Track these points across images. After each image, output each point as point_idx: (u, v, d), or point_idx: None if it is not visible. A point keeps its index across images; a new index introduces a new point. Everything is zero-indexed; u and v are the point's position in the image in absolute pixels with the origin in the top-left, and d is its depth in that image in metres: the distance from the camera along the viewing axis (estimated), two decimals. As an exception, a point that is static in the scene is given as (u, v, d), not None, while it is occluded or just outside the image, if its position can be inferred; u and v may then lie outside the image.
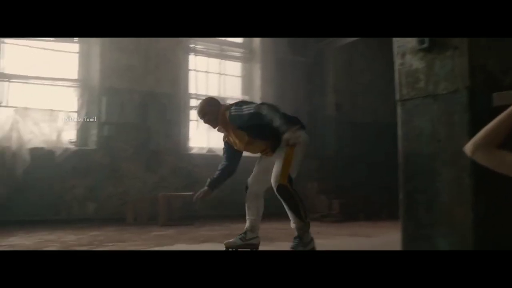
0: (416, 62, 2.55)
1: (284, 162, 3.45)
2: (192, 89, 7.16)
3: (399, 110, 2.64)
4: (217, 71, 7.51)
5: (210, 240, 4.53)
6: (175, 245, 4.15)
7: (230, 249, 3.60)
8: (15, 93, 6.06)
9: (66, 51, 6.44)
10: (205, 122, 3.71)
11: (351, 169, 7.82)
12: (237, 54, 7.78)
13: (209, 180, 3.76)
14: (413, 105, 2.55)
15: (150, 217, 5.95)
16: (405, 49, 2.61)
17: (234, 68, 7.78)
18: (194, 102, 7.15)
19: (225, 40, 7.56)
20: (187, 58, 7.18)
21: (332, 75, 8.26)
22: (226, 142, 3.78)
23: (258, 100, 7.65)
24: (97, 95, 6.33)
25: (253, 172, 3.79)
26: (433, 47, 2.44)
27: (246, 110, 3.45)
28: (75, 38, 6.43)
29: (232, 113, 3.49)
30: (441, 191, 2.39)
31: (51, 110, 6.07)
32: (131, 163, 6.41)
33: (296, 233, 3.52)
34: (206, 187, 3.75)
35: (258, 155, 3.79)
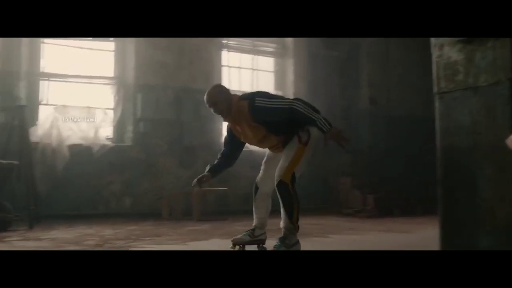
0: (454, 54, 2.48)
1: (293, 159, 3.31)
2: (225, 85, 7.17)
3: (437, 103, 2.57)
4: (249, 66, 7.52)
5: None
6: (210, 240, 4.20)
7: (237, 245, 3.54)
8: (54, 91, 6.25)
9: (102, 50, 6.58)
10: (215, 112, 3.41)
11: (386, 163, 7.70)
12: (270, 49, 7.76)
13: (209, 166, 3.62)
14: (452, 98, 2.48)
15: (184, 212, 6.03)
16: (443, 41, 2.54)
17: (267, 63, 7.77)
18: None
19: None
20: (220, 54, 7.22)
21: (366, 68, 8.15)
22: (230, 131, 3.58)
23: (291, 95, 7.63)
24: (132, 92, 6.44)
25: (262, 171, 3.65)
26: (473, 38, 2.37)
27: (277, 104, 3.23)
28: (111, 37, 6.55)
29: (257, 104, 3.23)
30: (482, 187, 2.32)
31: (89, 107, 6.23)
32: (166, 159, 6.51)
33: (282, 233, 3.40)
34: (207, 172, 3.60)
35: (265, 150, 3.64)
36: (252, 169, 6.91)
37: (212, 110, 3.43)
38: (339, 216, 6.43)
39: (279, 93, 7.57)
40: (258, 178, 3.66)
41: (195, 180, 3.59)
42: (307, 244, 3.69)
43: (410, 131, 7.91)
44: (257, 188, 3.65)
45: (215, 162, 3.63)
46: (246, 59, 7.50)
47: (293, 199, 3.34)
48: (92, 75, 6.43)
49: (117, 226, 5.10)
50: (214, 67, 7.07)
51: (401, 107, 8.20)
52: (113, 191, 6.23)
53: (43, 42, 6.24)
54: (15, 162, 4.96)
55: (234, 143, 3.59)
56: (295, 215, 3.36)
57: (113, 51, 6.61)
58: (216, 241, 4.17)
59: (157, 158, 6.42)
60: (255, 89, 7.38)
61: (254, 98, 3.27)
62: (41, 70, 6.18)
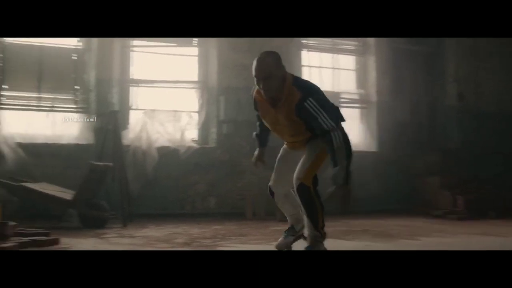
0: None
1: (315, 159, 2.99)
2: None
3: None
4: (330, 65, 7.43)
5: (329, 236, 4.50)
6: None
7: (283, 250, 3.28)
8: (143, 96, 6.57)
9: (186, 55, 6.83)
10: (264, 87, 2.89)
11: (477, 162, 7.28)
12: (351, 47, 7.62)
13: (256, 138, 3.45)
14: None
15: (268, 212, 6.08)
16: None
17: (348, 61, 7.63)
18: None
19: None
20: (300, 54, 7.20)
21: (453, 62, 7.74)
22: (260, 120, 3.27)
23: (373, 94, 7.45)
24: (215, 95, 6.62)
25: (275, 172, 3.31)
26: None
27: (322, 117, 2.83)
28: (194, 41, 6.77)
29: (306, 105, 2.83)
30: None
31: (175, 111, 6.48)
32: (249, 160, 6.59)
33: (307, 243, 3.10)
34: (258, 148, 3.47)
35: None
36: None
37: (258, 84, 2.93)
38: (427, 218, 6.17)
39: (361, 92, 7.47)
40: (271, 181, 3.33)
41: (254, 160, 3.50)
42: (395, 247, 3.58)
43: (503, 128, 7.42)
44: (272, 192, 3.35)
45: (258, 133, 3.43)
46: (326, 58, 7.42)
47: (316, 204, 3.00)
48: (178, 79, 6.69)
49: (203, 226, 5.27)
50: (294, 67, 7.04)
51: (492, 102, 7.71)
52: (198, 191, 6.44)
53: (132, 50, 6.60)
54: (110, 164, 5.29)
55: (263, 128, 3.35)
56: (320, 222, 3.03)
57: (196, 56, 6.83)
58: (299, 241, 4.16)
59: (240, 158, 6.54)
60: (336, 89, 7.31)
61: (307, 97, 2.87)
62: (131, 77, 6.54)
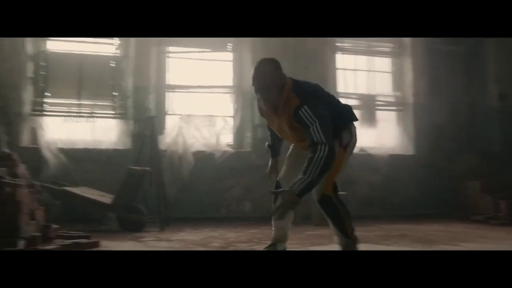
0: None
1: (332, 169, 2.79)
2: (340, 88, 7.11)
3: None
4: (365, 68, 7.35)
5: (365, 241, 4.45)
6: (330, 245, 4.16)
7: None
8: (179, 102, 6.68)
9: (221, 60, 6.89)
10: (263, 97, 2.83)
11: (521, 165, 7.04)
12: (386, 49, 7.52)
13: (269, 149, 3.39)
14: None
15: (303, 216, 6.05)
16: None
17: (383, 63, 7.53)
18: (343, 102, 7.10)
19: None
20: (334, 57, 7.16)
21: (493, 62, 7.53)
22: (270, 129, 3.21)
23: (410, 96, 7.32)
24: (250, 99, 6.64)
25: (284, 168, 3.25)
26: None
27: (316, 127, 2.73)
28: (229, 45, 6.82)
29: (300, 113, 2.75)
30: None
31: (210, 115, 6.55)
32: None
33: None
34: (272, 159, 3.40)
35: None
36: (373, 173, 6.81)
37: (256, 93, 2.86)
38: (468, 223, 6.00)
39: (398, 94, 7.35)
40: (280, 175, 3.23)
41: (268, 171, 3.43)
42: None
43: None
44: (279, 187, 3.18)
45: (271, 144, 3.38)
46: (361, 60, 7.35)
47: (340, 211, 2.93)
48: (213, 84, 6.76)
49: (239, 229, 5.29)
50: (329, 70, 7.03)
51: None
52: (234, 195, 6.48)
53: (168, 56, 6.72)
54: (147, 168, 5.39)
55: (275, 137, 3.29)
56: (348, 228, 2.94)
57: (231, 60, 6.88)
58: (335, 246, 4.12)
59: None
60: (371, 92, 7.21)
61: (303, 105, 2.76)
62: (167, 82, 6.65)
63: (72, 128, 6.17)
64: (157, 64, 6.53)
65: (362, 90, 7.13)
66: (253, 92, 6.56)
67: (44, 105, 6.16)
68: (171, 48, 6.76)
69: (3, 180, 3.60)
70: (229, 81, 6.85)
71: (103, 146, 6.11)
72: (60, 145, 5.90)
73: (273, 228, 3.34)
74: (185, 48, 6.78)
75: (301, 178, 2.70)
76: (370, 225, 5.70)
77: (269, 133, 3.37)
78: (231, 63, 6.89)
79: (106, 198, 5.25)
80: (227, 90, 6.83)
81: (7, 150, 4.63)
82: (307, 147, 2.90)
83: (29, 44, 6.13)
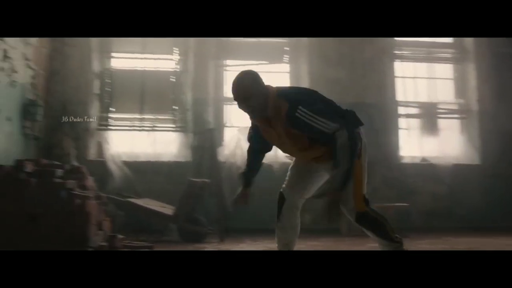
0: None
1: (355, 181, 2.68)
2: (399, 97, 6.95)
3: None
4: (425, 75, 7.14)
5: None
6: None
7: None
8: (237, 114, 6.75)
9: (278, 72, 6.92)
10: (246, 109, 2.65)
11: None
12: (447, 55, 7.29)
13: (243, 178, 3.13)
14: None
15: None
16: None
17: (445, 70, 7.30)
18: (402, 110, 6.95)
19: (433, 42, 7.14)
20: (393, 65, 7.02)
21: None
22: (257, 130, 2.93)
23: (474, 103, 7.03)
24: (307, 110, 6.63)
25: (289, 177, 3.04)
26: None
27: (320, 124, 2.56)
28: (285, 57, 6.85)
29: (298, 115, 2.56)
30: None
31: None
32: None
33: None
34: (242, 188, 3.14)
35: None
36: (436, 183, 6.57)
37: (240, 106, 2.67)
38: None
39: (461, 101, 7.08)
40: (284, 186, 3.05)
41: (233, 204, 3.22)
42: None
43: None
44: (283, 199, 3.03)
45: (246, 171, 3.14)
46: (421, 67, 7.16)
47: (378, 221, 2.76)
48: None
49: (300, 241, 5.23)
50: (387, 78, 6.90)
51: None
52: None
53: (226, 70, 6.83)
54: (207, 180, 5.49)
55: (263, 145, 3.00)
56: (391, 234, 2.78)
57: (288, 72, 6.90)
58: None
59: (336, 173, 6.45)
60: (432, 100, 7.00)
61: (297, 106, 2.57)
62: (225, 95, 6.76)
63: (135, 141, 6.40)
64: (215, 78, 6.66)
65: (423, 98, 6.93)
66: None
67: (109, 120, 6.44)
68: (228, 62, 6.88)
69: (74, 192, 3.77)
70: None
71: (164, 158, 6.29)
72: (124, 158, 6.12)
73: (277, 245, 3.15)
74: (242, 61, 6.87)
75: (336, 173, 2.58)
76: (434, 237, 5.49)
77: (247, 161, 3.16)
78: (288, 75, 6.91)
79: (167, 209, 5.38)
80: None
81: (76, 164, 4.86)
82: (311, 158, 2.84)
83: (95, 62, 6.45)
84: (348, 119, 2.78)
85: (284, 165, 6.39)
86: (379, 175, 6.57)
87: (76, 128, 6.12)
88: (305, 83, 6.70)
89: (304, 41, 6.74)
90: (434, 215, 6.55)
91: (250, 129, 3.06)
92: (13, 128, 5.36)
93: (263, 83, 2.70)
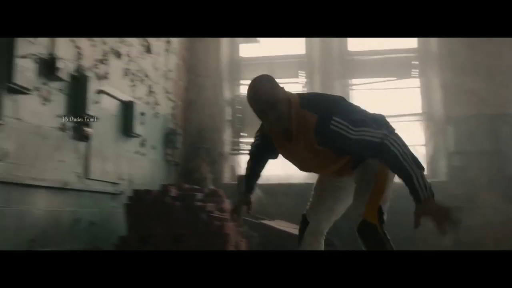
0: None
1: (375, 187, 2.29)
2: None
3: None
4: None
5: None
6: None
7: None
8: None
9: (407, 87, 6.66)
10: (274, 117, 2.22)
11: None
12: None
13: (245, 182, 2.84)
14: None
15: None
16: None
17: None
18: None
19: None
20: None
21: None
22: (264, 137, 2.57)
23: None
24: (442, 125, 6.26)
25: (313, 198, 2.67)
26: None
27: (362, 134, 2.12)
28: (414, 72, 6.58)
29: (333, 128, 2.14)
30: None
31: (400, 145, 6.32)
32: (486, 193, 5.98)
33: None
34: (243, 194, 2.82)
35: None
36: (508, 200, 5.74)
37: (264, 118, 2.27)
38: None
39: None
40: (308, 208, 2.66)
41: (233, 210, 2.89)
42: None
43: None
44: (306, 222, 2.63)
45: (248, 177, 2.84)
46: None
47: (386, 246, 2.27)
48: (400, 113, 6.55)
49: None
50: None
51: None
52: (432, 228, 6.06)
53: (352, 89, 6.76)
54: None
55: (268, 152, 2.62)
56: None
57: (418, 87, 6.61)
58: None
59: (477, 191, 5.96)
60: None
61: (330, 117, 2.15)
62: (352, 115, 6.66)
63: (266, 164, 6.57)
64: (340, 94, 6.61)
65: None
66: (445, 118, 6.23)
67: (240, 144, 6.72)
68: (354, 81, 6.80)
69: (213, 215, 3.98)
70: (418, 108, 6.56)
71: (294, 180, 6.35)
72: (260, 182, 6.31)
73: None
74: (368, 79, 6.74)
75: (415, 183, 2.05)
76: None
77: (249, 165, 2.84)
78: (418, 89, 6.61)
79: (296, 230, 5.39)
80: (416, 117, 6.54)
81: (213, 187, 5.13)
82: (336, 173, 2.48)
83: (226, 90, 6.82)
84: (380, 125, 2.34)
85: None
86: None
87: (212, 153, 6.48)
88: (437, 97, 6.35)
89: (433, 53, 6.41)
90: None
91: (257, 138, 2.70)
92: (157, 155, 5.86)
93: (286, 93, 2.31)
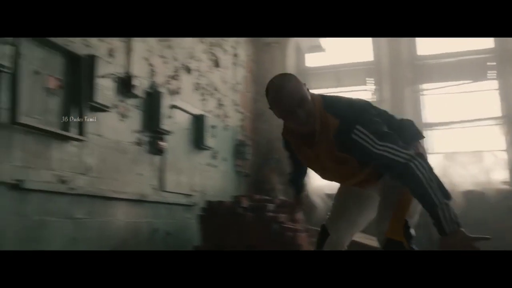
0: None
1: (400, 202, 2.10)
2: None
3: None
4: None
5: None
6: None
7: None
8: (440, 139, 6.37)
9: (484, 90, 6.34)
10: (299, 116, 2.05)
11: None
12: None
13: (292, 184, 2.74)
14: None
15: None
16: None
17: None
18: None
19: None
20: None
21: None
22: (287, 144, 2.42)
23: None
24: (523, 129, 5.89)
25: (335, 208, 2.52)
26: None
27: (385, 150, 1.96)
28: (490, 73, 6.26)
29: (354, 138, 1.99)
30: None
31: (478, 151, 6.02)
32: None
33: None
34: (296, 195, 2.76)
35: None
36: None
37: (290, 118, 2.12)
38: None
39: None
40: (328, 219, 2.52)
41: (292, 212, 2.91)
42: None
43: None
44: (325, 234, 2.46)
45: (293, 177, 2.72)
46: None
47: None
48: (476, 117, 6.24)
49: None
50: None
51: None
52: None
53: (422, 94, 6.53)
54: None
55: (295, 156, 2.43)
56: None
57: (496, 89, 6.27)
58: None
59: None
60: None
61: (353, 125, 1.99)
62: (424, 121, 6.44)
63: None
64: (413, 104, 6.42)
65: None
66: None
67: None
68: (424, 86, 6.58)
69: (285, 226, 3.98)
70: (497, 112, 6.22)
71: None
72: (327, 191, 6.25)
73: None
74: (440, 83, 6.50)
75: (439, 214, 1.88)
76: None
77: (290, 164, 2.70)
78: (496, 92, 6.27)
79: (372, 241, 5.27)
80: (495, 121, 6.20)
81: (284, 198, 5.14)
82: (358, 184, 2.31)
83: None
84: (407, 132, 2.24)
85: (499, 192, 5.75)
86: None
87: (281, 163, 6.50)
88: (518, 100, 6.00)
89: (511, 53, 6.07)
90: None
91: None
92: (228, 167, 5.97)
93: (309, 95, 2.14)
